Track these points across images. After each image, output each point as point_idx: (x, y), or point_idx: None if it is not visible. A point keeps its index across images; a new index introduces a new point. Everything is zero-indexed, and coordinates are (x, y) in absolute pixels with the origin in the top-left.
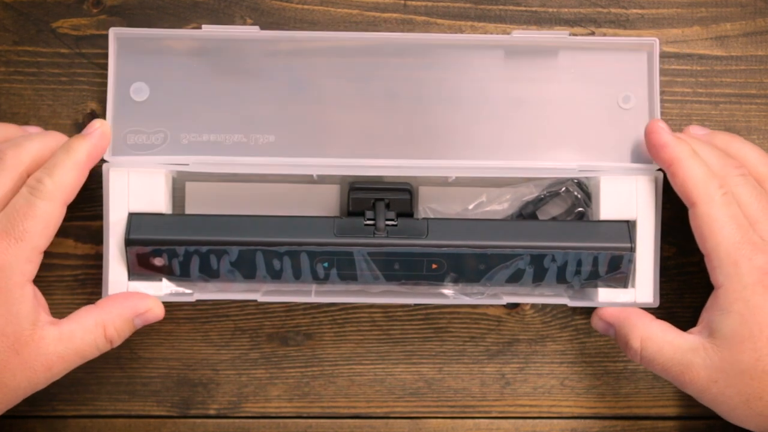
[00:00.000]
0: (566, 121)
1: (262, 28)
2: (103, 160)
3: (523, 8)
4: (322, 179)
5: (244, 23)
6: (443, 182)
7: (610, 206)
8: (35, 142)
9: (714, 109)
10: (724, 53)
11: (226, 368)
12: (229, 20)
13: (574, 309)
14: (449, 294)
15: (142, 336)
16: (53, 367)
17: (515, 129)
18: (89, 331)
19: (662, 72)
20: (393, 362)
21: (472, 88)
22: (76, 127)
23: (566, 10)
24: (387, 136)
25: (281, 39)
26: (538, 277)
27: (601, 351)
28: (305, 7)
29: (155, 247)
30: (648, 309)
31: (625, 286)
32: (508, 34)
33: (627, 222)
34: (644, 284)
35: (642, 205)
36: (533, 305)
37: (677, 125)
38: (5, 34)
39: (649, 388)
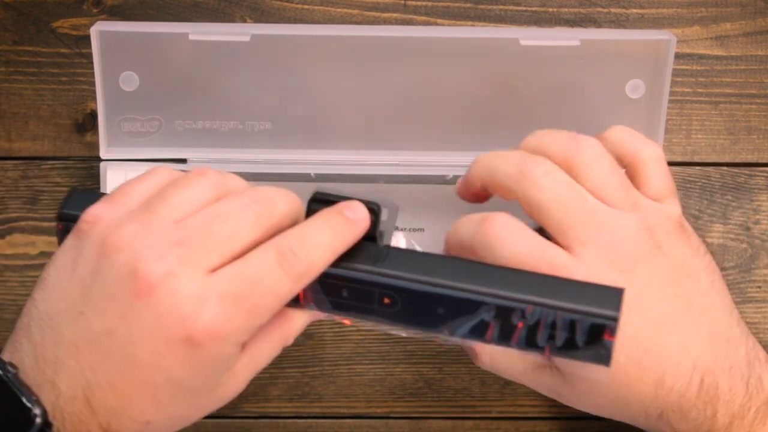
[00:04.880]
0: (573, 112)
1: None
2: (98, 158)
3: (523, 8)
4: (321, 178)
5: (245, 23)
6: (442, 180)
7: None
8: (283, 197)
9: (714, 109)
10: (724, 53)
11: None
12: (229, 20)
13: None
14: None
15: None
16: (239, 390)
17: (517, 122)
18: (275, 346)
19: None
20: (393, 362)
21: (474, 81)
22: (76, 127)
23: (566, 10)
24: (387, 125)
25: (269, 40)
26: (505, 336)
27: None
28: (305, 7)
29: None
30: None
31: (606, 363)
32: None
33: (619, 290)
34: None
35: None
36: None
37: (677, 125)
38: (5, 34)
39: None
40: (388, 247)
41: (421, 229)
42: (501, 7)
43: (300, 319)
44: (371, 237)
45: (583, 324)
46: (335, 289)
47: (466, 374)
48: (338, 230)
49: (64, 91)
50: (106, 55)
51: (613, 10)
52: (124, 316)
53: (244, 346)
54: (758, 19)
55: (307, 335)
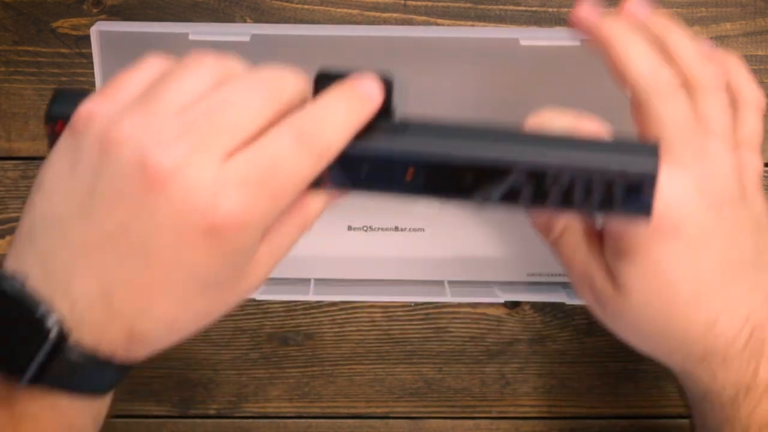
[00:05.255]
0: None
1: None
2: None
3: (523, 8)
4: None
5: (245, 23)
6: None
7: None
8: (290, 75)
9: None
10: None
11: (226, 368)
12: (229, 20)
13: (574, 308)
14: (447, 292)
15: None
16: (263, 279)
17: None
18: (294, 233)
19: None
20: (393, 362)
21: (474, 81)
22: None
23: (566, 9)
24: None
25: (269, 40)
26: (539, 199)
27: (602, 351)
28: (305, 7)
29: None
30: None
31: (646, 217)
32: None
33: (655, 144)
34: None
35: None
36: (533, 305)
37: None
38: (5, 34)
39: (649, 388)
40: (406, 119)
41: (422, 229)
42: (501, 7)
43: (318, 203)
44: (386, 111)
45: (622, 180)
46: (355, 167)
47: (467, 374)
48: (353, 105)
49: None
50: (106, 55)
51: (613, 9)
52: (137, 213)
53: (264, 234)
54: (758, 19)
55: (307, 335)
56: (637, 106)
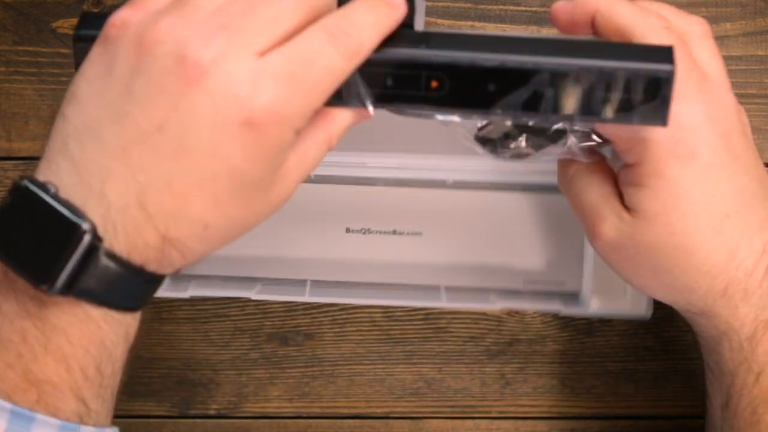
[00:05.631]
0: None
1: None
2: None
3: (523, 8)
4: (320, 179)
5: None
6: (441, 185)
7: None
8: None
9: None
10: (724, 53)
11: (226, 368)
12: None
13: None
14: (443, 297)
15: (142, 336)
16: (290, 193)
17: None
18: (320, 147)
19: None
20: (393, 362)
21: None
22: None
23: None
24: (387, 127)
25: None
26: (560, 103)
27: (601, 351)
28: None
29: None
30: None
31: (663, 121)
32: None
33: (669, 47)
34: (637, 293)
35: None
36: None
37: None
38: (5, 34)
39: (649, 388)
40: (429, 30)
41: (420, 233)
42: (501, 7)
43: (343, 118)
44: (408, 25)
45: (640, 78)
46: (379, 78)
47: (467, 374)
48: (381, 11)
49: (64, 91)
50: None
51: None
52: (175, 107)
53: (294, 140)
54: (758, 19)
55: (307, 335)
56: None
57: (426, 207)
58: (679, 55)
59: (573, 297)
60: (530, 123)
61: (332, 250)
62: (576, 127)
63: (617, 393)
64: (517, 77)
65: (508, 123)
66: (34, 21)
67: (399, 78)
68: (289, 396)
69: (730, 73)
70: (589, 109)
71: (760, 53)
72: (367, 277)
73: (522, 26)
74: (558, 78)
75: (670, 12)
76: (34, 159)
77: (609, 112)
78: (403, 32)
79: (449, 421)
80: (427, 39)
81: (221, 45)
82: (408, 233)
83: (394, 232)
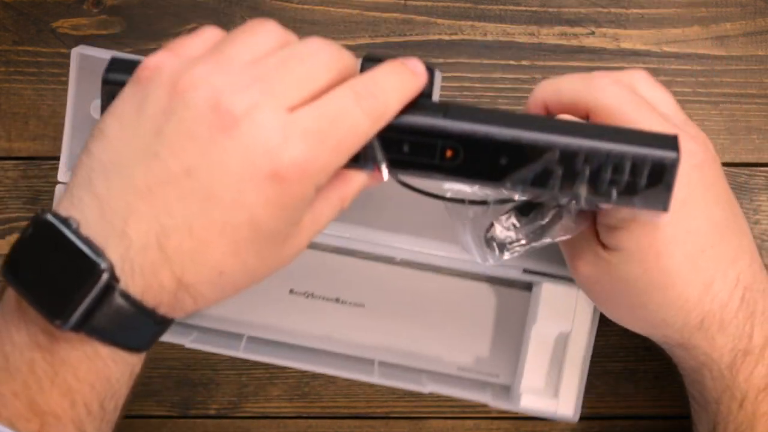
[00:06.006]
0: None
1: None
2: (57, 181)
3: (523, 8)
4: None
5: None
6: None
7: (547, 313)
8: (342, 47)
9: (714, 109)
10: (724, 53)
11: (226, 368)
12: (229, 20)
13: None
14: (375, 372)
15: None
16: (301, 250)
17: None
18: (334, 207)
19: (662, 72)
20: None
21: None
22: None
23: (566, 9)
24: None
25: None
26: (568, 181)
27: (602, 351)
28: (305, 7)
29: None
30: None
31: (665, 206)
32: None
33: (674, 136)
34: (568, 396)
35: (579, 317)
36: None
37: None
38: (5, 34)
39: (649, 388)
40: (447, 101)
41: (362, 305)
42: (501, 7)
43: (357, 181)
44: (427, 95)
45: (647, 163)
46: (396, 143)
47: None
48: (404, 78)
49: (64, 91)
50: (81, 79)
51: (613, 10)
52: (205, 153)
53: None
54: (758, 19)
55: None
56: (594, 116)
57: (372, 280)
58: (633, 98)
59: (504, 390)
60: (538, 199)
61: (273, 309)
62: (582, 207)
63: (617, 393)
64: (529, 153)
65: (516, 197)
66: (34, 21)
67: (415, 145)
68: (289, 396)
69: (731, 73)
70: (594, 188)
71: (760, 53)
72: (302, 341)
73: (522, 26)
74: (568, 156)
75: (607, 72)
76: (34, 159)
77: (614, 193)
78: (422, 101)
79: (449, 421)
80: (445, 109)
81: (255, 96)
82: (351, 303)
83: (337, 300)
